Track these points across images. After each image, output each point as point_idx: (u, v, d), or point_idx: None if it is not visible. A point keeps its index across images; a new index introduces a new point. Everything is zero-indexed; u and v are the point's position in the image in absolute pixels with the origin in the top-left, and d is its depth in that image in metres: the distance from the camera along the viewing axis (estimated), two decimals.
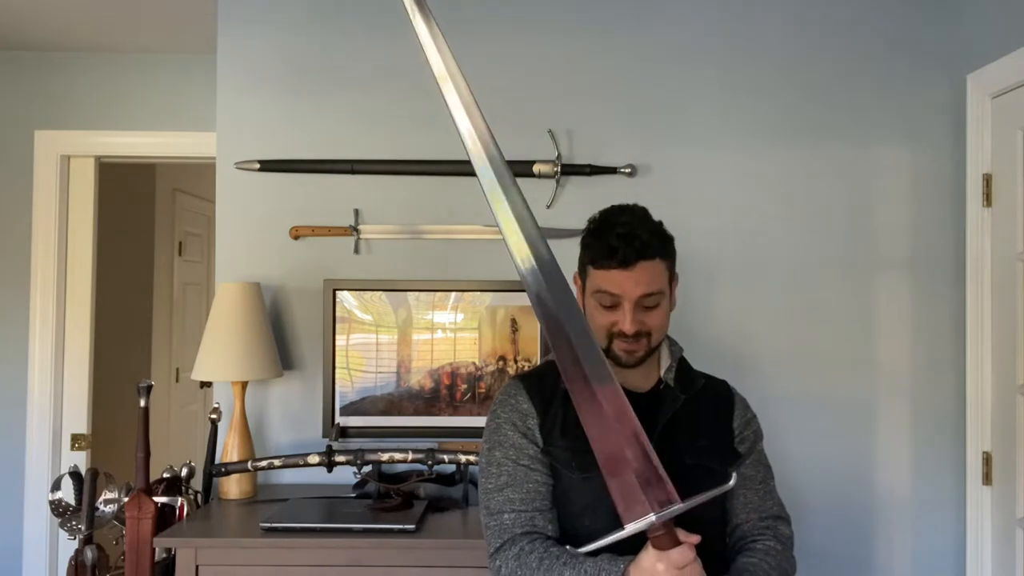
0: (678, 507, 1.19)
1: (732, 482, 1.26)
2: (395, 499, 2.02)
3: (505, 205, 1.22)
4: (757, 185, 2.36)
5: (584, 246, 1.44)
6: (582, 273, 1.45)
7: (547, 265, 1.23)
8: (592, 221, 1.45)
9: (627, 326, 1.35)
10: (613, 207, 1.45)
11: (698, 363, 1.56)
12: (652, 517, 1.18)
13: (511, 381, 1.50)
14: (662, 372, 1.47)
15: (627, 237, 1.35)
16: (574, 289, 1.48)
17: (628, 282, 1.35)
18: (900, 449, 2.34)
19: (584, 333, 1.23)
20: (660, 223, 1.43)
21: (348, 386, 2.31)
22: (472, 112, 1.22)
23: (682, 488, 1.26)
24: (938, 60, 2.35)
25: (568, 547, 1.31)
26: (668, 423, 1.39)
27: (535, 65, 2.37)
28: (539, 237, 1.23)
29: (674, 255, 1.44)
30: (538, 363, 2.23)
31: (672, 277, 1.43)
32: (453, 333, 2.33)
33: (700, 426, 1.43)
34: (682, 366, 1.50)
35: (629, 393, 1.40)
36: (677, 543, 1.20)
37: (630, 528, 1.19)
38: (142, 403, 2.02)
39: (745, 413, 1.52)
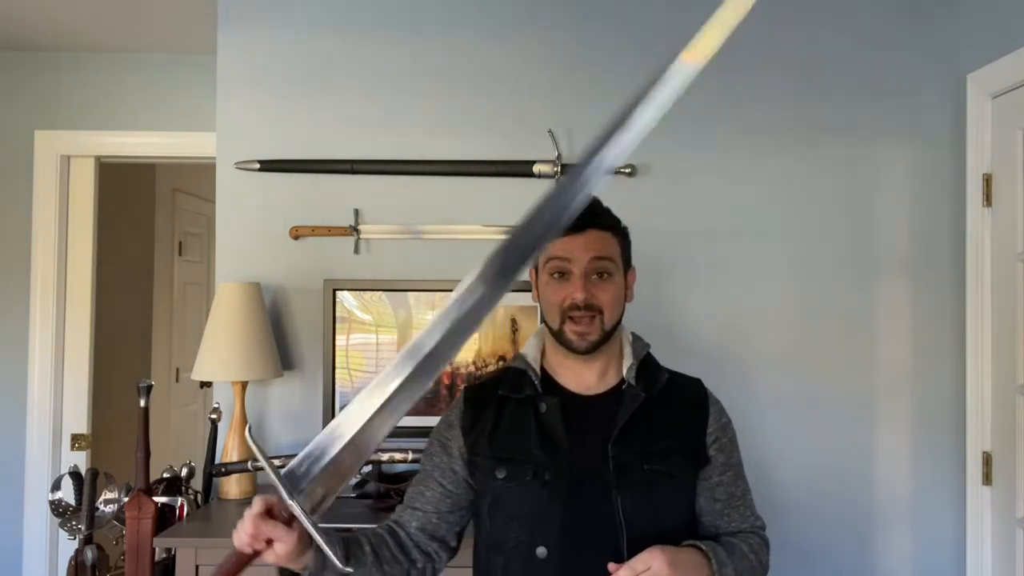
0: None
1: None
2: (395, 499, 2.02)
3: None
4: (757, 185, 2.36)
5: None
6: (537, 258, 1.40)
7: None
8: None
9: (578, 294, 1.31)
10: None
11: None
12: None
13: (462, 390, 1.46)
14: (624, 371, 1.38)
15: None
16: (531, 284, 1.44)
17: (578, 246, 1.31)
18: (900, 449, 2.34)
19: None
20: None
21: (348, 386, 2.31)
22: None
23: (639, 495, 1.26)
24: (938, 60, 2.35)
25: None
26: (627, 424, 1.31)
27: (535, 65, 2.37)
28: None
29: (628, 241, 1.40)
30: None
31: (626, 261, 1.39)
32: None
33: (663, 428, 1.34)
34: (646, 363, 1.40)
35: (583, 396, 1.37)
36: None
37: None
38: (142, 403, 2.02)
39: (721, 417, 1.40)
